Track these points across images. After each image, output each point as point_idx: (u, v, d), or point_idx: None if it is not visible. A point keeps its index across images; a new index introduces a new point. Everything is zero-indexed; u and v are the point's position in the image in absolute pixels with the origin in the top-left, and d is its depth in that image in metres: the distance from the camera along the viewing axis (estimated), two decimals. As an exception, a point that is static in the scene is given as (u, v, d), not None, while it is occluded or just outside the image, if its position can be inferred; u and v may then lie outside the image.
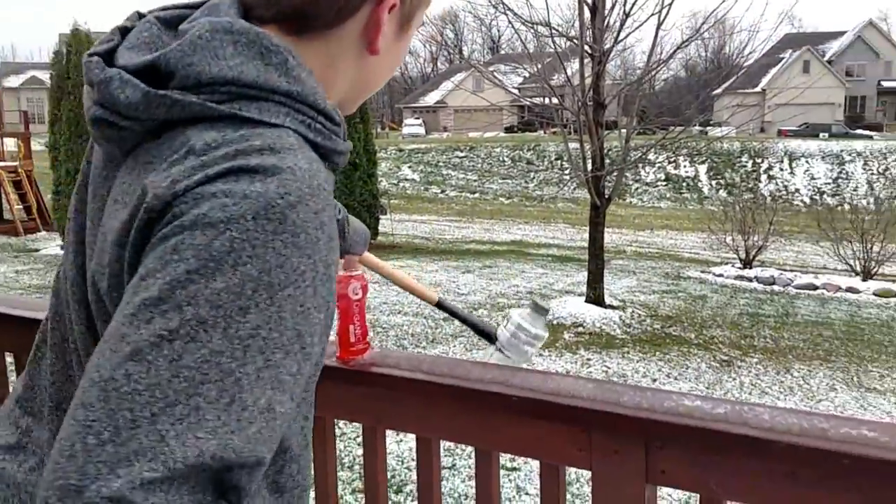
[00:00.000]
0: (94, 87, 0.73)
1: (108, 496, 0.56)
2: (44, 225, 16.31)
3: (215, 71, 0.70)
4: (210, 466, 0.61)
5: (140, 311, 0.62)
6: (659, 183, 31.16)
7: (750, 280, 12.20)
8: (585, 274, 9.66)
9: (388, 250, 14.80)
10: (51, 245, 13.95)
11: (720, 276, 12.55)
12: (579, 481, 4.46)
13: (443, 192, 31.03)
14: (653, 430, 1.00)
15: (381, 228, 15.55)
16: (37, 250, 13.64)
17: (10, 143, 17.75)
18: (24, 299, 1.59)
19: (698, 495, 1.02)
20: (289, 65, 0.73)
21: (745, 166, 31.84)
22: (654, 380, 6.93)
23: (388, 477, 1.64)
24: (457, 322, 6.46)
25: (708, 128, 28.70)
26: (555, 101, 9.61)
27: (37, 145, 20.39)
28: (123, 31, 0.78)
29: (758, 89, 44.74)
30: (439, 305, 1.44)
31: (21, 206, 16.57)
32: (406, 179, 32.36)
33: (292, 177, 0.67)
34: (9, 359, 1.67)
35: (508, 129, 47.25)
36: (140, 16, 0.80)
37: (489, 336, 1.38)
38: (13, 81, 51.30)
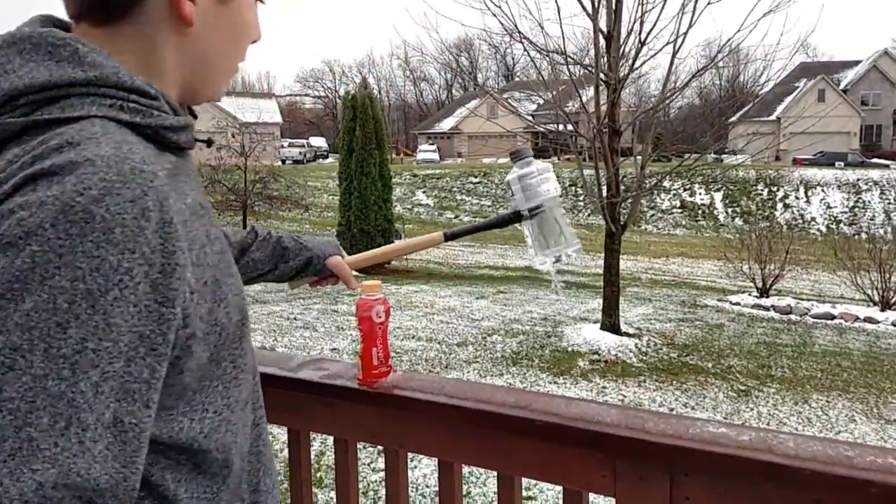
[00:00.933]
0: None
1: None
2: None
3: (7, 86, 0.68)
4: (59, 498, 0.56)
5: None
6: (674, 210, 31.09)
7: (767, 309, 12.10)
8: (600, 301, 9.62)
9: (402, 275, 14.83)
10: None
11: (737, 304, 12.46)
12: None
13: (457, 217, 31.11)
14: (678, 456, 1.00)
15: (395, 253, 15.59)
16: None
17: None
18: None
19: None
20: (80, 53, 0.70)
21: (760, 194, 31.73)
22: (671, 409, 6.86)
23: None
24: (470, 348, 6.46)
25: (723, 155, 28.70)
26: (569, 127, 9.65)
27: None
28: None
29: (773, 118, 44.72)
30: (449, 237, 1.43)
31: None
32: (420, 204, 32.50)
33: (91, 169, 0.62)
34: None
35: (523, 156, 47.33)
36: None
37: (515, 216, 1.32)
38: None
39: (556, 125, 11.58)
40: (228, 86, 0.89)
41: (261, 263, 1.26)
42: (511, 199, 1.30)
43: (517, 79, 66.24)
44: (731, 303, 12.57)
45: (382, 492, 4.55)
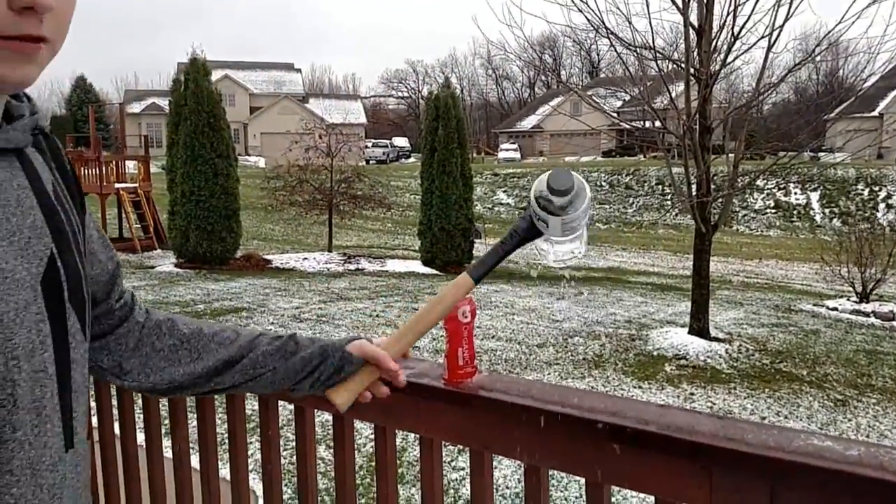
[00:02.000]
0: None
1: None
2: (159, 243, 17.31)
3: None
4: None
5: None
6: (768, 210, 29.88)
7: (867, 315, 11.47)
8: (688, 304, 9.34)
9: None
10: (165, 262, 14.77)
11: (834, 309, 11.86)
12: None
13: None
14: (779, 469, 0.95)
15: (475, 252, 15.62)
16: (153, 267, 14.47)
17: (131, 166, 18.98)
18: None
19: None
20: None
21: (861, 194, 30.11)
22: (763, 418, 6.59)
23: None
24: (550, 349, 6.39)
25: (820, 153, 27.35)
26: (657, 124, 9.41)
27: (155, 168, 21.73)
28: None
29: (875, 113, 42.32)
30: (478, 279, 1.22)
31: (139, 225, 17.66)
32: (501, 204, 32.44)
33: None
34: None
35: (606, 154, 46.63)
36: None
37: (531, 233, 1.15)
38: (135, 108, 54.89)
39: (642, 122, 11.31)
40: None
41: (269, 357, 1.16)
42: (538, 221, 1.13)
43: (602, 75, 65.18)
44: (827, 308, 11.98)
45: (462, 490, 4.56)
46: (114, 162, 18.47)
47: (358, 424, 1.50)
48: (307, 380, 1.19)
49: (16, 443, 0.74)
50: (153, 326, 1.14)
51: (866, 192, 30.20)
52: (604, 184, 33.51)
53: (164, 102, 41.99)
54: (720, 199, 9.23)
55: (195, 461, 1.80)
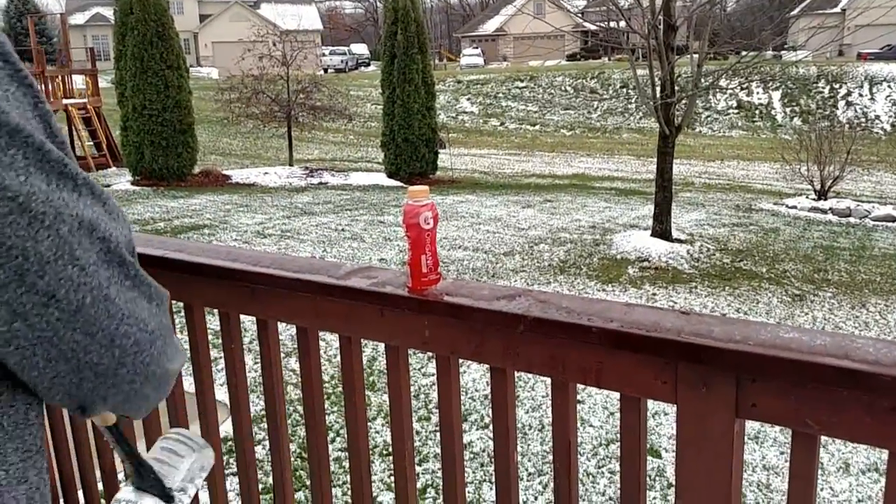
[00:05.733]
0: None
1: None
2: (113, 161, 16.81)
3: None
4: None
5: None
6: (730, 111, 29.95)
7: (825, 212, 11.74)
8: (651, 207, 9.43)
9: (448, 185, 14.75)
10: (121, 180, 14.39)
11: (793, 207, 12.11)
12: (658, 416, 4.44)
13: (502, 124, 30.57)
14: (746, 362, 0.95)
15: (439, 163, 15.46)
16: (108, 185, 14.08)
17: (79, 81, 18.17)
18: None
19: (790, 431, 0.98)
20: None
21: (821, 92, 30.26)
22: (724, 314, 6.79)
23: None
24: (517, 257, 6.43)
25: (783, 52, 27.23)
26: (622, 24, 9.22)
27: (103, 82, 20.83)
28: None
29: (837, 9, 42.04)
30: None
31: (91, 143, 17.08)
32: (465, 112, 31.97)
33: None
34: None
35: (571, 57, 45.90)
36: None
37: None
38: (79, 19, 52.17)
39: (607, 22, 11.06)
40: None
41: None
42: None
43: (564, -24, 63.35)
44: (787, 206, 12.22)
45: (433, 394, 4.65)
46: (59, 77, 17.63)
47: (328, 337, 1.48)
48: None
49: None
50: None
51: (827, 90, 30.34)
52: (568, 88, 33.11)
53: (109, 12, 39.91)
54: (684, 101, 9.18)
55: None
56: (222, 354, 1.60)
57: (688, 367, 0.99)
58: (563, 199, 12.68)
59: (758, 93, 30.41)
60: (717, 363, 0.96)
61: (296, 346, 1.55)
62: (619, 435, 4.41)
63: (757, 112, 29.91)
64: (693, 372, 0.99)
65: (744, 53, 9.73)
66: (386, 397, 4.56)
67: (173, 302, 1.67)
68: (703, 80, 9.23)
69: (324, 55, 48.74)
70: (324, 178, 15.22)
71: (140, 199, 12.29)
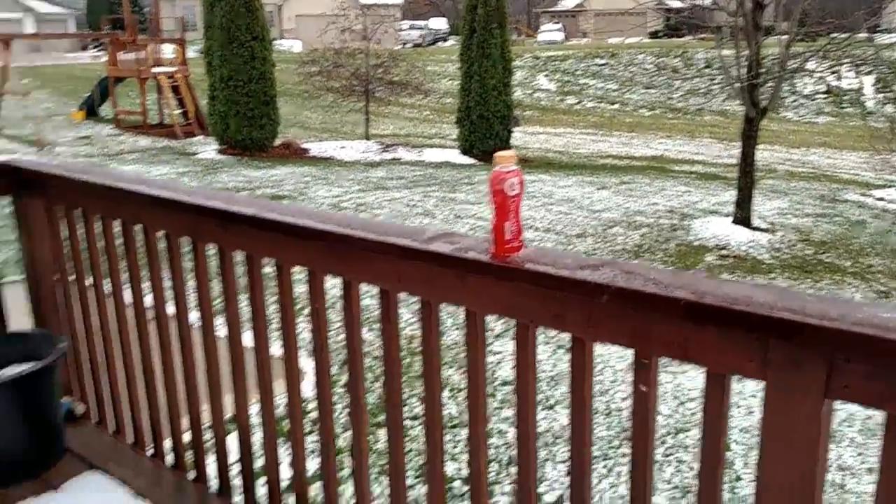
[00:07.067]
0: None
1: None
2: (200, 129, 17.32)
3: None
4: None
5: None
6: (818, 96, 28.60)
7: (918, 205, 11.13)
8: (732, 193, 9.14)
9: (521, 164, 14.62)
10: (207, 149, 14.84)
11: (881, 199, 11.52)
12: (741, 393, 4.33)
13: (580, 102, 30.04)
14: (840, 341, 0.92)
15: (513, 141, 15.33)
16: (195, 153, 14.56)
17: (168, 50, 18.74)
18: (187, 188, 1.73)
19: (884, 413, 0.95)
20: None
21: (920, 79, 28.52)
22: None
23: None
24: (589, 240, 6.31)
25: (876, 34, 25.68)
26: (708, 1, 8.90)
27: (190, 52, 21.44)
28: None
29: (946, -10, 39.42)
30: None
31: (179, 111, 17.65)
32: (541, 89, 31.54)
33: None
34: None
35: (653, 35, 44.55)
36: None
37: None
38: (169, -9, 53.63)
39: None
40: None
41: None
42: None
43: (650, -48, 61.41)
44: (875, 198, 11.64)
45: (499, 371, 4.67)
46: (149, 45, 18.26)
47: (409, 299, 1.51)
48: None
49: None
50: None
51: (926, 77, 28.58)
52: (649, 66, 32.18)
53: (195, -16, 40.85)
54: (770, 83, 8.82)
55: (248, 339, 1.85)
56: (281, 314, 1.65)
57: (779, 343, 0.97)
58: (640, 182, 12.41)
59: (848, 77, 28.90)
60: (810, 341, 0.94)
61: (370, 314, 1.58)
62: (688, 424, 4.30)
63: (846, 98, 28.46)
64: (784, 349, 0.97)
65: (835, 35, 9.24)
66: (451, 371, 4.62)
67: (265, 259, 1.73)
68: (790, 63, 8.85)
69: (402, 30, 48.82)
70: (398, 154, 15.32)
71: (225, 167, 12.67)
